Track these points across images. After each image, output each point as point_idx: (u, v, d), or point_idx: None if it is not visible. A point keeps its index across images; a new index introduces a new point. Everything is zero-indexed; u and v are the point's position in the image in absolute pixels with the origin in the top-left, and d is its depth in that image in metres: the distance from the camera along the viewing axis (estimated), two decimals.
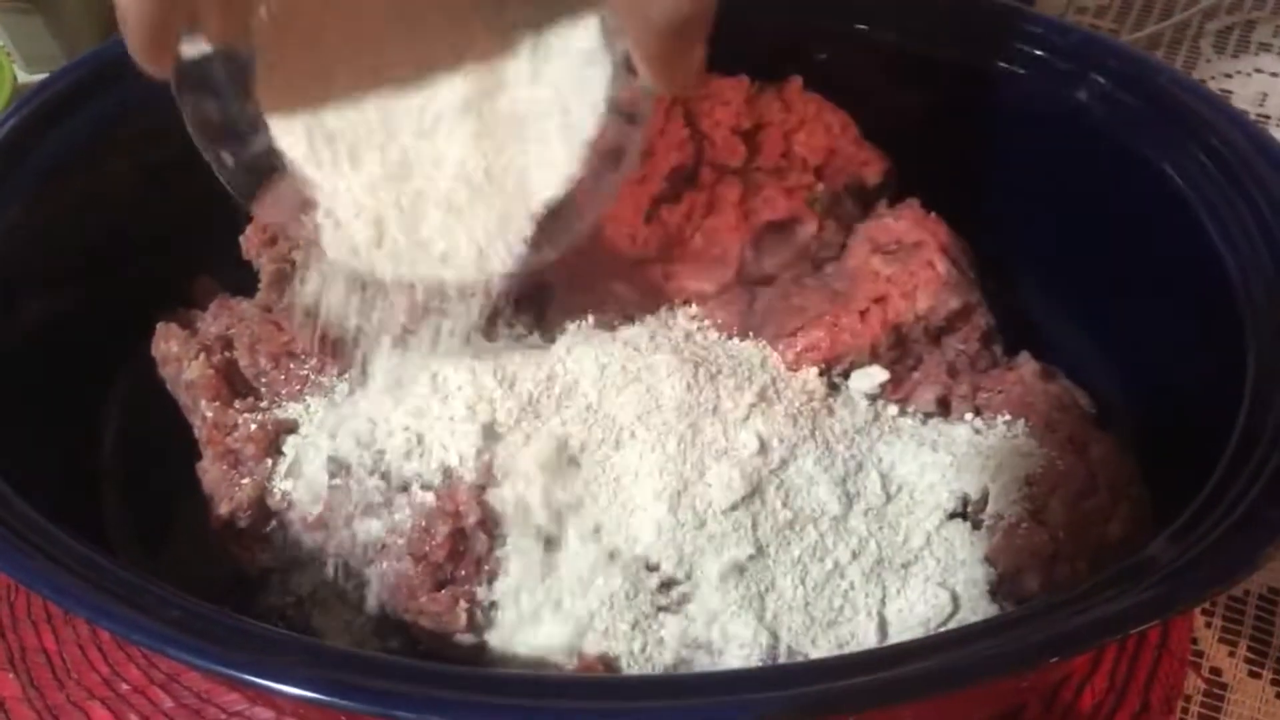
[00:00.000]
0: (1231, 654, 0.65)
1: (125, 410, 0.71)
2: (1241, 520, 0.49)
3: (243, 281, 0.72)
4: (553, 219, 0.54)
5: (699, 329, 0.65)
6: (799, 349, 0.64)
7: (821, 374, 0.63)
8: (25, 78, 0.96)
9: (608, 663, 0.56)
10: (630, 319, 0.66)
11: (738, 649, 0.56)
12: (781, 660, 0.56)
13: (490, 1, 0.53)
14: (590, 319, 0.65)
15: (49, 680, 0.63)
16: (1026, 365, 0.66)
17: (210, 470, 0.63)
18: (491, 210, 0.53)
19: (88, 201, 0.70)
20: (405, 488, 0.58)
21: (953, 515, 0.60)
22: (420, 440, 0.58)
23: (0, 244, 0.64)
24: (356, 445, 0.59)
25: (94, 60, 0.72)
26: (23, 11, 0.95)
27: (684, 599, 0.57)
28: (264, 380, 0.66)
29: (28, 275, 0.66)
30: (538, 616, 0.57)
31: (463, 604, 0.57)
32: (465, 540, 0.57)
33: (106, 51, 0.73)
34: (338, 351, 0.64)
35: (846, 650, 0.57)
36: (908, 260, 0.66)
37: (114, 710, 0.62)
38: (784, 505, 0.58)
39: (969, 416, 0.64)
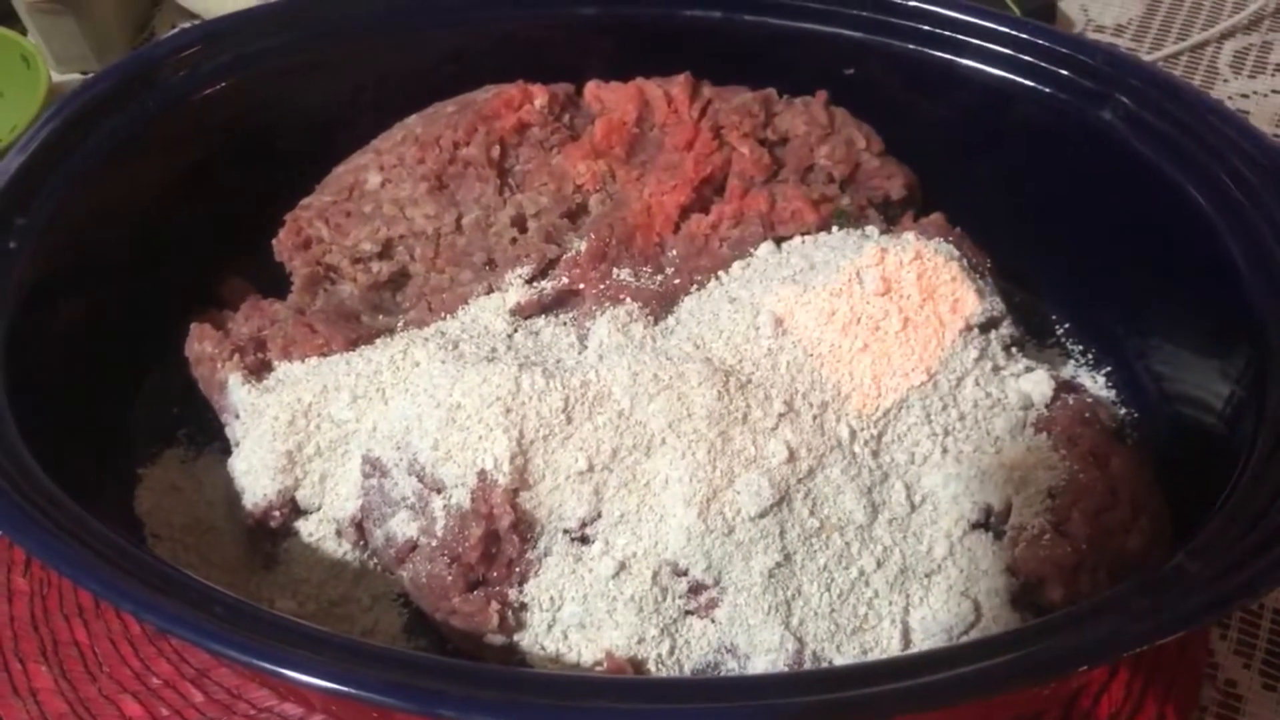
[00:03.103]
0: (1247, 666, 0.66)
1: (156, 409, 0.72)
2: (1264, 535, 0.50)
3: (273, 282, 0.73)
4: None
5: None
6: None
7: None
8: (56, 77, 0.97)
9: (636, 665, 0.57)
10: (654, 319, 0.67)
11: (764, 654, 0.57)
12: (807, 666, 0.57)
13: None
14: (622, 314, 0.66)
15: (81, 673, 0.64)
16: (1049, 378, 0.66)
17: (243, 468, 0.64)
18: None
19: (123, 202, 0.71)
20: (439, 489, 0.59)
21: (975, 526, 0.61)
22: (455, 443, 0.59)
23: (38, 242, 0.65)
24: (393, 446, 0.60)
25: (130, 65, 0.73)
26: (55, 12, 0.96)
27: (712, 604, 0.58)
28: None
29: (63, 274, 0.67)
30: (567, 619, 0.58)
31: (494, 605, 0.57)
32: (498, 542, 0.58)
33: (142, 56, 0.74)
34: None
35: (870, 656, 0.58)
36: None
37: (145, 704, 0.63)
38: (811, 514, 0.59)
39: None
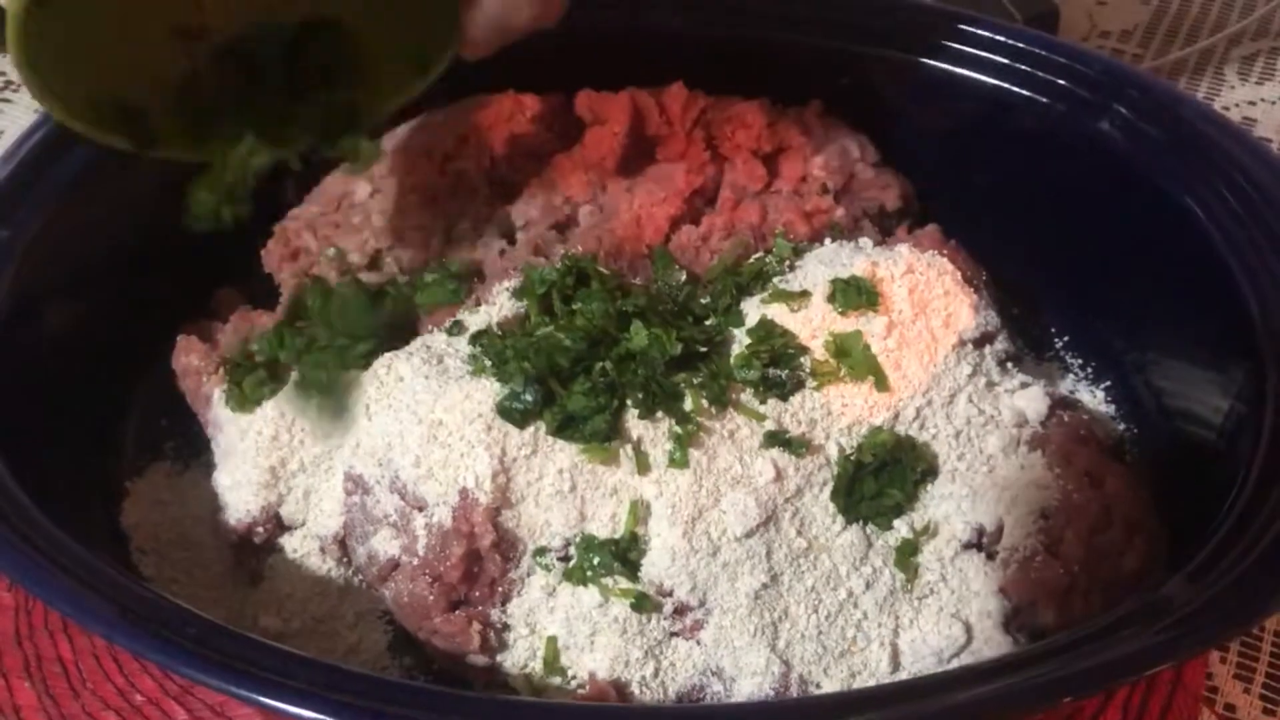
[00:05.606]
0: (1247, 690, 0.65)
1: (144, 422, 0.71)
2: (1260, 560, 0.49)
3: (267, 293, 0.73)
4: None
5: None
6: None
7: None
8: None
9: (619, 688, 0.56)
10: None
11: (750, 677, 0.56)
12: (793, 689, 0.56)
13: None
14: None
15: (64, 690, 0.64)
16: (1044, 394, 0.65)
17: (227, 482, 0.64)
18: None
19: (111, 213, 0.70)
20: (421, 507, 0.58)
21: (967, 546, 0.60)
22: (437, 460, 0.58)
23: (24, 253, 0.65)
24: (375, 463, 0.60)
25: None
26: None
27: (697, 626, 0.57)
28: None
29: (49, 286, 0.66)
30: (550, 640, 0.57)
31: (476, 625, 0.57)
32: (479, 561, 0.57)
33: None
34: None
35: (858, 680, 0.57)
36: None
37: None
38: (799, 534, 0.58)
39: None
